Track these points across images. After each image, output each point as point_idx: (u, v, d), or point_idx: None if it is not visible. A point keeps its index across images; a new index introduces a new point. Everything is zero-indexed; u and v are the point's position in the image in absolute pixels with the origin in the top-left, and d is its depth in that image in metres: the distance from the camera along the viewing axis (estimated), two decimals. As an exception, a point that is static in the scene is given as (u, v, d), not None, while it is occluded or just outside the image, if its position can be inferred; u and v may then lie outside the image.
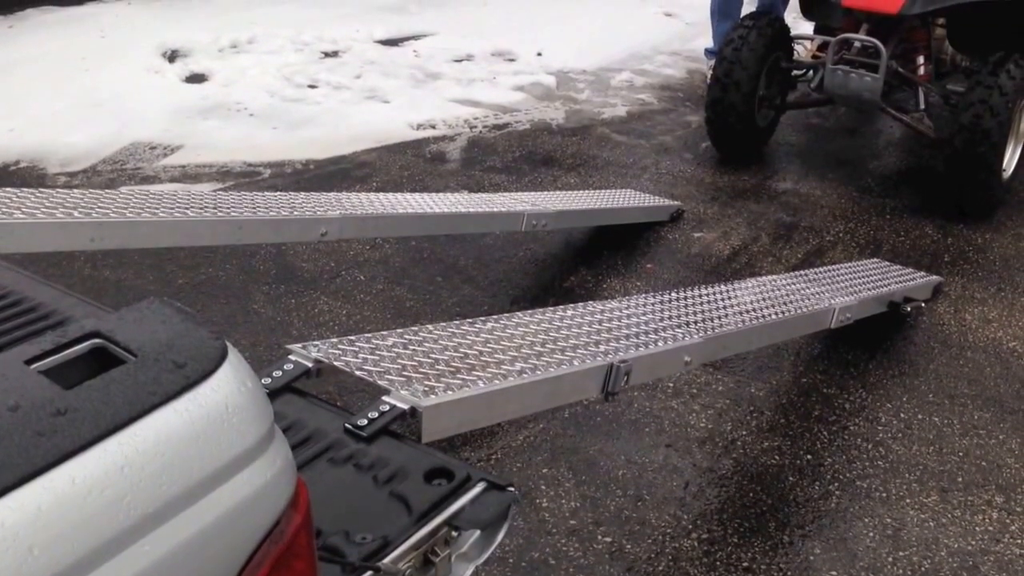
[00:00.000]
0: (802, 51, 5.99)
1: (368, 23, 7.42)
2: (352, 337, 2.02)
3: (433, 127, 5.79)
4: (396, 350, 2.00)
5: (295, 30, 7.04)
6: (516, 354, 2.16)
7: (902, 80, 5.17)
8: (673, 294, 3.10)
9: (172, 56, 6.58)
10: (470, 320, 2.32)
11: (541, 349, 2.25)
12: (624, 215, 4.55)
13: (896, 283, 3.98)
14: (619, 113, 6.23)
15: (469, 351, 2.10)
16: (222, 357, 0.89)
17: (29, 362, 0.87)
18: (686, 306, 3.01)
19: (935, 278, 4.25)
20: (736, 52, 5.17)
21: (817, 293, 3.57)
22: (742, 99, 5.19)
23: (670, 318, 2.83)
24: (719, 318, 2.95)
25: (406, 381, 1.85)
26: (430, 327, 2.20)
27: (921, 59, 5.32)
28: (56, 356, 0.89)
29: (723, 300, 3.18)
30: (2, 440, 0.77)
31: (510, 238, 4.48)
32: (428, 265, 4.29)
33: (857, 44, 4.98)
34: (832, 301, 3.48)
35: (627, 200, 4.67)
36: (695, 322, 2.85)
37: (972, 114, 4.61)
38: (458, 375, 1.95)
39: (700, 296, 3.16)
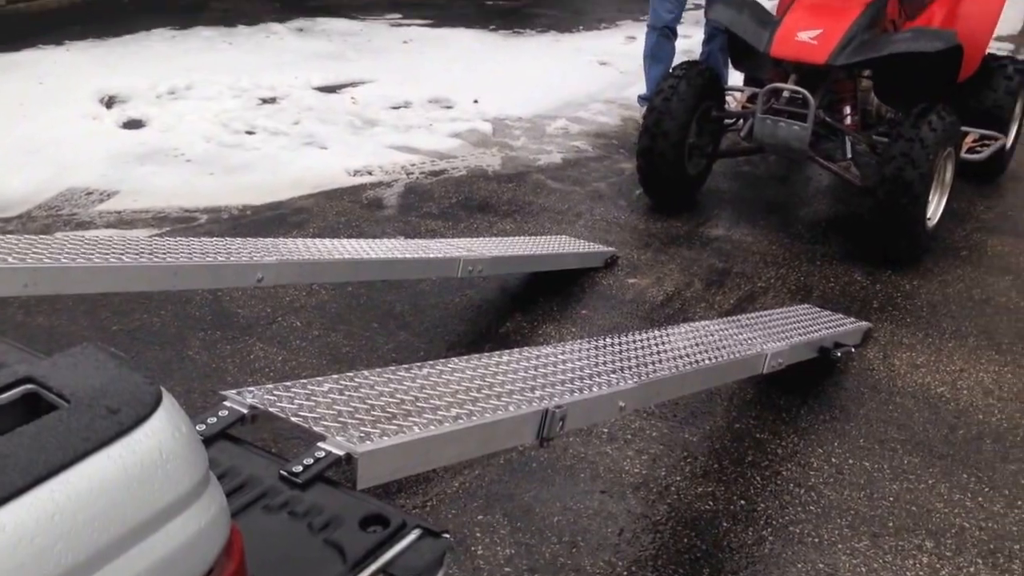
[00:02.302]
0: (733, 102, 6.10)
1: (306, 70, 7.44)
2: (287, 383, 2.02)
3: (370, 173, 5.81)
4: (332, 396, 2.01)
5: (233, 77, 7.04)
6: (452, 400, 2.17)
7: (829, 129, 5.24)
8: (607, 340, 3.13)
9: (110, 102, 6.55)
10: (406, 366, 2.33)
11: (477, 395, 2.26)
12: (559, 261, 4.59)
13: (826, 329, 4.05)
14: (554, 160, 6.29)
15: (405, 397, 2.12)
16: (156, 403, 0.90)
17: (-38, 409, 0.87)
18: (620, 352, 3.04)
19: (864, 324, 4.33)
20: (666, 102, 5.22)
21: (749, 339, 3.62)
22: (671, 148, 5.24)
23: (604, 363, 2.85)
24: (653, 363, 2.98)
25: (341, 427, 1.85)
26: (366, 373, 2.21)
27: (848, 109, 5.40)
28: (-10, 402, 0.89)
29: (657, 346, 3.21)
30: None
31: (446, 284, 4.50)
32: (364, 311, 4.29)
33: (786, 94, 5.05)
34: (764, 346, 3.53)
35: (562, 246, 4.72)
36: (629, 367, 2.88)
37: (895, 166, 4.69)
38: (394, 421, 1.96)
39: (634, 342, 3.19)
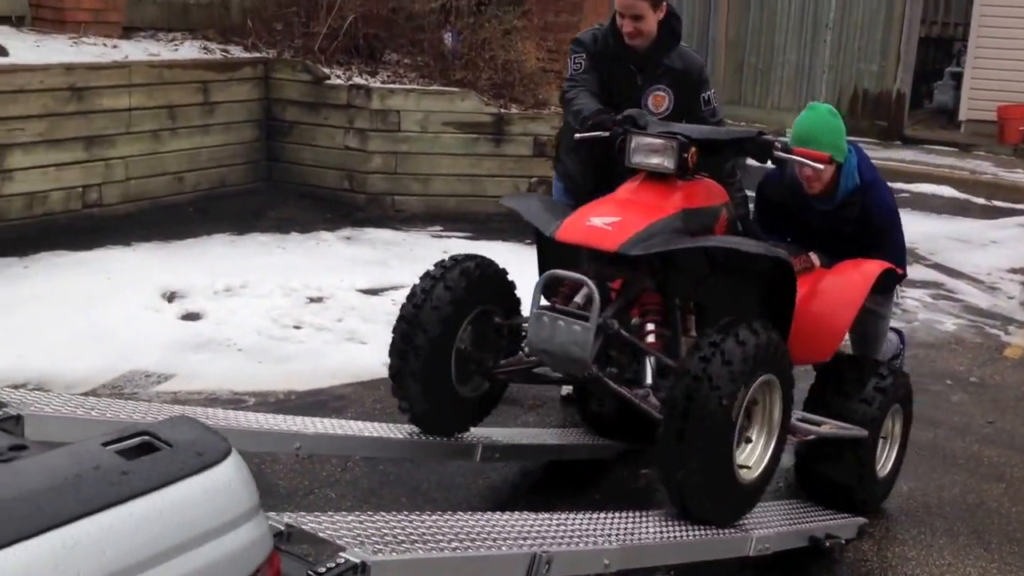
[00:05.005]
0: None
1: (352, 274, 8.02)
2: (317, 512, 2.45)
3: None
4: (353, 524, 2.43)
5: (284, 277, 7.63)
6: (454, 537, 2.58)
7: (625, 345, 4.05)
8: (603, 513, 3.51)
9: (171, 297, 7.13)
10: (416, 512, 2.75)
11: (476, 536, 2.67)
12: (572, 451, 4.99)
13: (818, 520, 4.36)
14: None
15: (414, 531, 2.53)
16: (228, 453, 1.35)
17: (105, 444, 1.33)
18: (613, 520, 3.42)
19: (859, 519, 4.60)
20: (415, 311, 4.22)
21: (739, 523, 3.96)
22: (426, 367, 4.18)
23: (595, 528, 3.24)
24: (640, 532, 3.36)
25: (360, 544, 2.27)
26: (382, 513, 2.64)
27: (651, 326, 4.12)
28: (121, 443, 1.35)
29: (647, 519, 3.58)
30: (90, 485, 1.22)
31: (470, 467, 4.89)
32: (394, 487, 4.69)
33: (580, 297, 4.03)
34: (751, 530, 3.87)
35: (577, 438, 5.12)
36: (617, 534, 3.27)
37: (685, 387, 3.56)
38: (403, 545, 2.37)
39: (628, 516, 3.56)
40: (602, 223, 3.91)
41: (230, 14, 10.66)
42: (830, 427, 4.48)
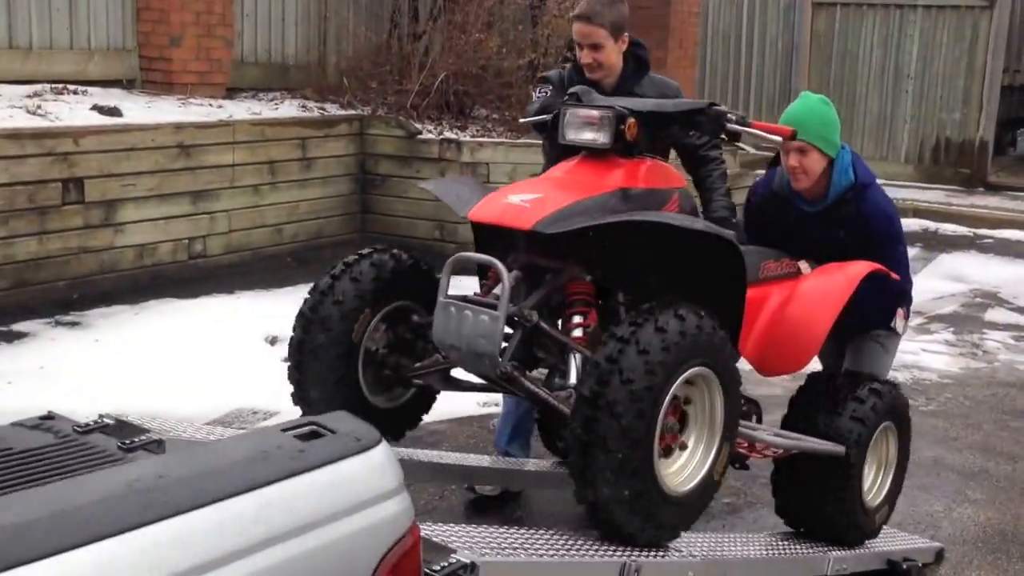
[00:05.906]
0: None
1: (443, 319, 8.37)
2: (430, 523, 2.75)
3: (497, 404, 6.57)
4: (461, 532, 2.73)
5: (379, 322, 8.01)
6: (550, 546, 2.87)
7: (552, 341, 3.60)
8: (689, 531, 3.75)
9: (273, 340, 7.51)
10: (517, 527, 3.04)
11: (572, 546, 2.95)
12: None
13: (897, 544, 4.54)
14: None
15: (515, 541, 2.83)
16: (379, 440, 1.67)
17: (284, 430, 1.65)
18: (700, 538, 3.65)
19: (937, 544, 4.76)
20: (316, 305, 3.71)
21: (816, 544, 4.16)
22: (324, 369, 3.74)
23: (683, 542, 3.48)
24: (724, 549, 3.60)
25: (469, 548, 2.56)
26: (485, 526, 2.94)
27: (579, 318, 3.59)
28: (296, 429, 1.67)
29: (732, 538, 3.82)
30: (276, 459, 1.54)
31: (562, 495, 5.10)
32: (488, 513, 4.99)
33: (498, 289, 3.41)
34: (829, 551, 4.08)
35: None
36: (702, 551, 3.51)
37: (594, 380, 3.05)
38: (508, 550, 2.66)
39: (714, 533, 3.81)
40: (520, 200, 3.45)
41: (327, 74, 11.21)
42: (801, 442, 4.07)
